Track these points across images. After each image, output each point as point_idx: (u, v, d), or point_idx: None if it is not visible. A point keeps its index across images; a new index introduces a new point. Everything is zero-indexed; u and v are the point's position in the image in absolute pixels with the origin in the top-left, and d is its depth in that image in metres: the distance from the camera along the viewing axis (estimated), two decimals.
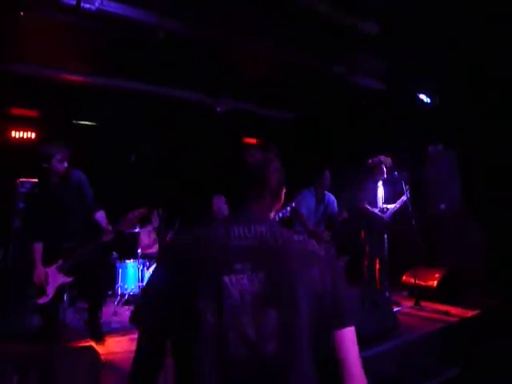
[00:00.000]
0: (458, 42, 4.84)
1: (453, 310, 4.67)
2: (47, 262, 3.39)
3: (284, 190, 1.24)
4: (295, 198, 4.93)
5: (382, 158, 5.15)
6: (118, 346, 3.85)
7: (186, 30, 3.97)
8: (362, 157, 5.48)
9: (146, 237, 5.53)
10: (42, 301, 3.41)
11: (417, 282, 5.06)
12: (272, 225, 1.15)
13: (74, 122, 5.89)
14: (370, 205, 5.10)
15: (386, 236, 5.16)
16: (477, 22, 4.43)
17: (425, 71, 5.46)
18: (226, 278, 1.03)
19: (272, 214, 1.22)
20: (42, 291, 3.39)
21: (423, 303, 4.91)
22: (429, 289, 5.18)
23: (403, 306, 4.91)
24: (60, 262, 3.41)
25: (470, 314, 4.55)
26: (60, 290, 3.48)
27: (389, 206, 5.13)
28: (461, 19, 4.41)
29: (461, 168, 6.01)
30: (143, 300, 1.18)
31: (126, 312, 4.85)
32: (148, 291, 1.16)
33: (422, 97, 5.86)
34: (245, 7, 3.80)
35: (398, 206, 5.05)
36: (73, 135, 5.69)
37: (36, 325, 4.14)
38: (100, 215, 3.58)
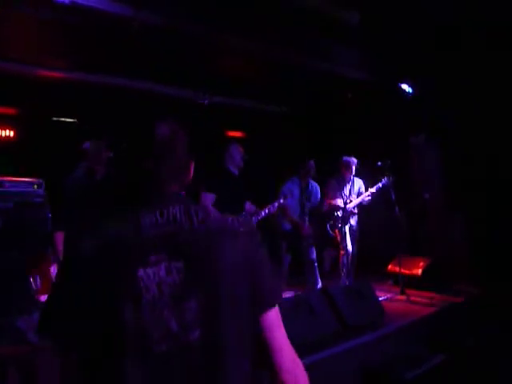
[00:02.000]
0: (441, 29, 4.86)
1: (437, 297, 4.74)
2: None
3: (192, 164, 1.17)
4: (281, 190, 4.97)
5: (353, 158, 5.21)
6: None
7: (165, 23, 3.90)
8: (346, 146, 5.53)
9: None
10: (45, 298, 3.27)
11: (402, 270, 5.12)
12: (186, 203, 1.07)
13: (54, 119, 5.77)
14: (333, 198, 5.20)
15: (344, 228, 5.19)
16: (459, 8, 4.44)
17: (407, 60, 5.48)
18: (142, 272, 0.97)
19: (183, 191, 1.15)
20: (48, 288, 3.26)
21: (408, 291, 4.97)
22: (414, 277, 5.25)
23: (388, 295, 4.96)
24: None
25: (454, 301, 4.62)
26: None
27: (354, 199, 5.23)
28: (442, 6, 4.41)
29: (443, 157, 6.07)
30: (53, 306, 1.04)
31: None
32: (57, 296, 1.04)
33: (404, 86, 5.88)
34: (227, 3, 3.76)
35: (366, 198, 5.19)
36: (53, 133, 5.61)
37: (20, 328, 4.09)
38: None
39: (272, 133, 7.26)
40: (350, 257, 5.15)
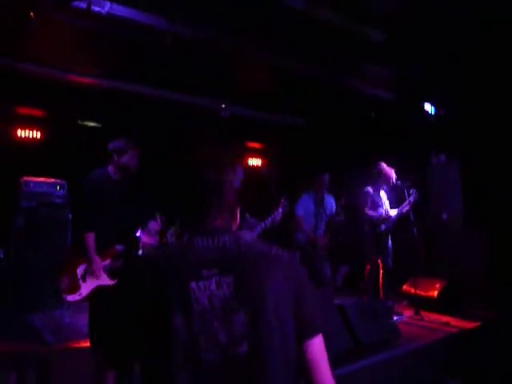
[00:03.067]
0: (464, 53, 4.87)
1: (453, 321, 4.67)
2: None
3: (239, 209, 1.24)
4: (297, 202, 4.97)
5: (387, 166, 5.16)
6: None
7: (194, 35, 4.00)
8: (366, 164, 5.50)
9: (146, 237, 5.53)
10: (71, 298, 3.17)
11: (417, 291, 5.05)
12: (235, 235, 1.15)
13: (79, 122, 5.92)
14: (371, 209, 5.10)
15: (390, 242, 5.14)
16: (483, 33, 4.46)
17: (430, 82, 5.49)
18: (194, 285, 1.03)
19: (234, 225, 1.22)
20: (74, 288, 3.17)
21: (423, 313, 4.90)
22: (429, 299, 5.17)
23: (403, 316, 4.90)
24: (108, 261, 3.24)
25: (470, 325, 4.54)
26: (106, 292, 3.17)
27: (392, 212, 5.13)
28: (466, 30, 4.43)
29: (463, 179, 6.02)
30: (107, 319, 1.15)
31: None
32: (111, 308, 1.13)
33: (427, 107, 5.88)
34: (256, 17, 3.84)
35: (403, 209, 5.03)
36: (78, 136, 5.74)
37: (36, 326, 4.16)
38: (153, 225, 3.50)
39: (290, 145, 7.30)
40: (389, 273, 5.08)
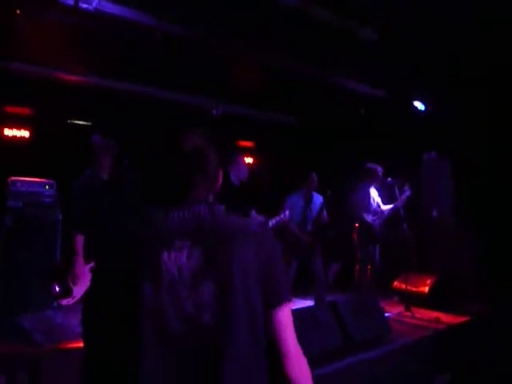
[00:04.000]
0: (455, 50, 4.90)
1: (443, 316, 4.71)
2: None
3: (221, 172, 1.27)
4: (286, 201, 4.99)
5: (374, 165, 5.21)
6: None
7: (184, 33, 3.97)
8: (356, 162, 5.53)
9: None
10: (66, 302, 3.20)
11: (408, 287, 5.09)
12: (210, 205, 1.17)
13: (68, 121, 5.85)
14: (363, 208, 5.13)
15: (377, 239, 5.18)
16: (474, 30, 4.49)
17: (420, 79, 5.52)
18: (165, 255, 1.06)
19: (211, 197, 1.23)
20: (67, 291, 3.18)
21: (414, 309, 4.93)
22: (420, 295, 5.21)
23: (394, 312, 4.93)
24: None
25: (460, 320, 4.59)
26: None
27: (385, 208, 5.17)
28: (458, 28, 4.46)
29: (453, 175, 6.07)
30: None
31: None
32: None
33: (417, 104, 5.91)
34: (247, 15, 3.82)
35: (397, 204, 5.07)
36: (67, 134, 5.68)
37: (26, 327, 4.11)
38: None
39: (282, 144, 7.31)
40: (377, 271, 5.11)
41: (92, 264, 3.22)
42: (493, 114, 5.39)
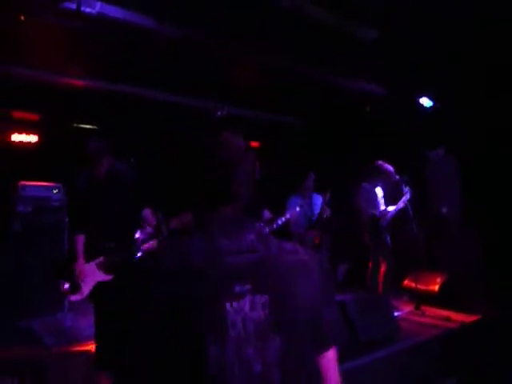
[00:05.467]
0: (460, 45, 4.84)
1: (454, 315, 4.65)
2: (87, 258, 3.30)
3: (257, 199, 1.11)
4: (288, 202, 4.99)
5: (386, 163, 5.16)
6: None
7: (186, 35, 3.97)
8: (363, 160, 5.49)
9: (139, 232, 5.52)
10: (74, 298, 3.29)
11: (418, 286, 5.03)
12: (258, 230, 1.01)
13: (74, 125, 5.90)
14: (369, 206, 5.08)
15: (388, 238, 5.13)
16: (481, 28, 4.43)
17: (426, 75, 5.46)
18: (228, 306, 0.89)
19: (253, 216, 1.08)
20: (75, 288, 3.27)
21: (424, 308, 4.88)
22: (430, 293, 5.15)
23: (404, 311, 4.88)
24: (101, 258, 3.31)
25: (470, 319, 4.52)
26: None
27: (389, 209, 5.12)
28: (463, 25, 4.41)
29: (462, 172, 6.00)
30: (108, 339, 0.99)
31: None
32: (113, 327, 0.99)
33: (424, 101, 5.85)
34: (248, 17, 3.82)
35: (401, 205, 5.02)
36: (74, 138, 5.72)
37: (35, 330, 4.15)
38: (147, 212, 3.51)
39: (287, 144, 7.29)
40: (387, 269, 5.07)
41: (97, 260, 3.31)
42: (500, 109, 5.31)
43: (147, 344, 0.88)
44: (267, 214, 4.36)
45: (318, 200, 5.17)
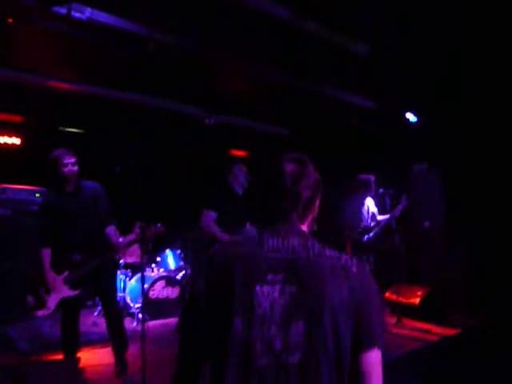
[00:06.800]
0: (446, 62, 4.96)
1: (434, 328, 4.70)
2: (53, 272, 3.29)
3: (317, 203, 1.29)
4: None
5: (367, 175, 5.22)
6: (96, 359, 3.77)
7: (177, 43, 3.99)
8: (348, 173, 5.55)
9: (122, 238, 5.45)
10: (41, 314, 3.27)
11: (399, 298, 5.08)
12: (305, 238, 1.18)
13: (59, 128, 5.84)
14: (356, 220, 5.13)
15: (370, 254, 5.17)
16: (465, 41, 4.55)
17: (412, 91, 5.57)
18: (258, 288, 1.08)
19: (305, 226, 1.25)
20: (41, 303, 3.26)
21: (405, 321, 4.92)
22: (411, 306, 5.20)
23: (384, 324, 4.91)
24: (66, 273, 3.30)
25: (451, 332, 4.58)
26: (73, 302, 3.35)
27: (379, 218, 5.18)
28: (448, 41, 4.52)
29: (445, 187, 6.10)
30: (188, 310, 1.31)
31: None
32: (191, 301, 1.28)
33: (409, 115, 5.96)
34: (238, 26, 3.86)
35: (396, 214, 5.06)
36: (59, 142, 5.65)
37: (11, 336, 4.05)
38: (111, 230, 3.49)
39: (275, 154, 7.31)
40: None
41: (64, 275, 3.29)
42: (484, 126, 5.44)
43: (205, 303, 1.17)
44: (249, 227, 4.34)
45: None
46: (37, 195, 5.05)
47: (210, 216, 4.05)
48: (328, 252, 1.16)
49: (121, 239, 5.10)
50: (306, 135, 7.05)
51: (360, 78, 5.17)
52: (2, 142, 5.59)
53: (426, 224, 6.18)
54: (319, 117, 6.32)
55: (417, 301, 5.22)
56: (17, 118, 5.59)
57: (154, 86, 5.15)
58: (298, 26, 3.93)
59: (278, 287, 1.08)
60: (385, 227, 5.15)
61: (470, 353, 4.12)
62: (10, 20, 3.34)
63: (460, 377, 3.69)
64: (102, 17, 3.48)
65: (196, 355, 1.19)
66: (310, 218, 1.26)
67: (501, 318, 4.67)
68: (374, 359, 1.09)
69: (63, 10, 3.26)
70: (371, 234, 5.09)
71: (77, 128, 5.89)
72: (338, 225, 5.30)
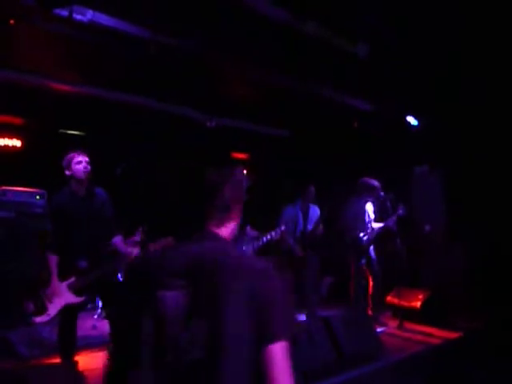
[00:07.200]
0: (446, 63, 4.96)
1: (436, 331, 4.68)
2: (58, 277, 3.25)
3: (238, 209, 1.34)
4: (282, 213, 4.99)
5: (371, 179, 5.21)
6: (95, 362, 3.74)
7: (178, 46, 3.98)
8: (349, 175, 5.54)
9: (127, 248, 5.43)
10: (40, 320, 3.22)
11: (401, 302, 5.06)
12: (217, 241, 1.27)
13: (60, 130, 5.83)
14: (356, 223, 5.11)
15: (373, 253, 5.15)
16: (465, 42, 4.55)
17: (412, 92, 5.57)
18: (163, 292, 1.18)
19: (224, 231, 1.30)
20: (42, 309, 3.21)
21: (407, 324, 4.91)
22: (412, 310, 5.18)
23: (386, 327, 4.90)
24: (72, 279, 3.25)
25: (453, 336, 4.56)
26: (74, 308, 3.30)
27: (376, 226, 5.15)
28: (448, 42, 4.52)
29: (446, 189, 6.09)
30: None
31: (105, 326, 4.73)
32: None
33: (410, 119, 5.96)
34: (238, 30, 3.86)
35: (388, 223, 5.06)
36: (59, 144, 5.64)
37: (10, 340, 4.02)
38: (118, 240, 3.43)
39: (275, 156, 7.32)
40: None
41: (68, 281, 3.25)
42: (485, 126, 5.44)
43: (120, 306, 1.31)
44: (249, 230, 4.33)
45: (316, 212, 5.17)
46: (37, 197, 5.03)
47: None
48: (234, 253, 1.26)
49: (129, 249, 5.06)
50: (306, 137, 7.05)
51: (360, 80, 5.16)
52: (3, 144, 5.58)
53: (427, 228, 6.16)
54: (320, 119, 6.31)
55: (418, 304, 5.21)
56: (17, 120, 5.58)
57: (156, 89, 5.14)
58: (297, 28, 3.92)
59: (182, 289, 1.16)
60: (382, 232, 5.13)
61: (473, 356, 4.10)
62: (12, 21, 3.33)
63: (463, 380, 3.67)
64: (104, 19, 3.48)
65: (121, 356, 1.25)
66: (231, 224, 1.32)
67: (503, 320, 4.65)
68: (276, 351, 1.15)
69: (65, 13, 3.25)
70: (364, 240, 5.07)
71: (78, 130, 5.87)
72: (338, 227, 5.29)
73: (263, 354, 1.14)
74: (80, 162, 3.30)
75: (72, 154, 3.34)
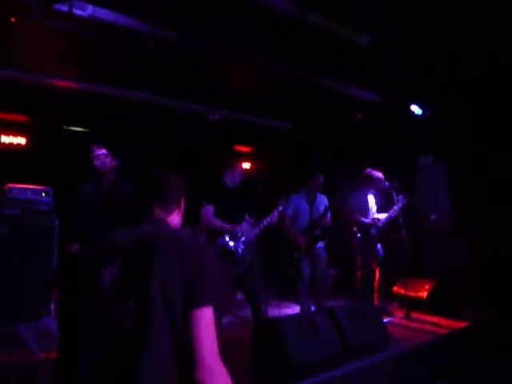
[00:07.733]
0: (451, 53, 4.90)
1: (443, 321, 4.68)
2: None
3: (181, 202, 1.58)
4: (287, 202, 4.97)
5: (374, 170, 5.18)
6: None
7: (179, 39, 3.97)
8: (353, 166, 5.51)
9: None
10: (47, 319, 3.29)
11: (407, 292, 5.06)
12: (158, 224, 1.46)
13: (64, 127, 5.84)
14: (361, 215, 5.09)
15: (379, 246, 5.15)
16: (470, 33, 4.49)
17: (417, 83, 5.52)
18: (104, 270, 1.32)
19: (170, 218, 1.52)
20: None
21: (413, 314, 4.90)
22: (419, 300, 5.18)
23: (393, 317, 4.90)
24: None
25: (459, 325, 4.55)
26: None
27: (380, 217, 5.13)
28: (453, 30, 4.46)
29: (451, 179, 6.05)
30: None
31: None
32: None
33: (414, 108, 5.91)
34: (241, 21, 3.84)
35: (391, 214, 5.05)
36: (64, 141, 5.66)
37: (20, 334, 4.07)
38: None
39: (279, 148, 7.30)
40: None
41: None
42: (490, 116, 5.39)
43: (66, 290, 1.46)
44: (247, 218, 4.35)
45: (324, 201, 5.15)
46: (43, 194, 5.06)
47: (208, 210, 4.06)
48: (170, 232, 1.44)
49: None
50: (310, 129, 7.02)
51: (363, 70, 5.12)
52: (8, 141, 5.60)
53: (433, 217, 6.13)
54: (322, 110, 6.27)
55: (424, 294, 5.20)
56: (21, 118, 5.60)
57: (158, 83, 5.14)
58: (299, 18, 3.89)
59: (117, 268, 1.30)
60: (387, 223, 5.10)
61: (479, 346, 4.10)
62: (13, 19, 3.34)
63: (469, 370, 3.68)
64: (104, 14, 3.47)
65: (68, 335, 1.38)
66: (175, 212, 1.54)
67: (509, 310, 4.64)
68: (200, 316, 1.25)
69: (65, 8, 3.25)
70: (373, 232, 5.05)
71: (81, 127, 5.89)
72: (342, 217, 5.27)
73: (188, 319, 1.25)
74: (98, 157, 3.33)
75: (92, 148, 3.37)
